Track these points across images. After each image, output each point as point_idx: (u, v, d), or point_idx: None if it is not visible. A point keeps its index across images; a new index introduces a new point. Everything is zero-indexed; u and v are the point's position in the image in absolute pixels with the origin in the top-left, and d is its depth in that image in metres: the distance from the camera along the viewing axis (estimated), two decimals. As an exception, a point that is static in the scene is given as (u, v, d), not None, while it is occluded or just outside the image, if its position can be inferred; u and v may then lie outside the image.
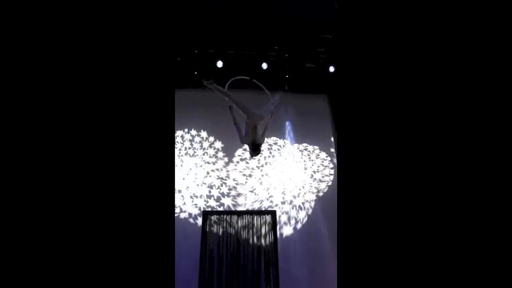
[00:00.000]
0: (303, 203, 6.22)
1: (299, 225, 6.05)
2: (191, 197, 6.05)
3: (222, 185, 6.20)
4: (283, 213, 6.11)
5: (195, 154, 6.35)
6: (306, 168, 6.49)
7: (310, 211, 6.17)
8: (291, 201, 6.22)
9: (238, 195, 6.17)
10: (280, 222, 6.02)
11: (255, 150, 3.84)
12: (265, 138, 4.25)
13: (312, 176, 6.45)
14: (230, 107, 3.91)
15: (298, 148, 6.64)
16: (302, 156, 6.58)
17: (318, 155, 6.61)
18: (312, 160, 6.57)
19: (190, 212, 5.94)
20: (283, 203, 6.19)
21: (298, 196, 6.26)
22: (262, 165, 6.41)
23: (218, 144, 6.42)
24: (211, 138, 6.44)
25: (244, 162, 6.39)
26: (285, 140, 6.65)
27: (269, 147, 6.52)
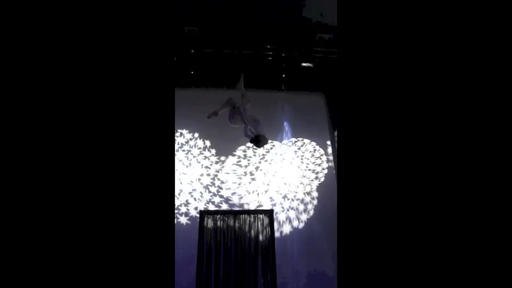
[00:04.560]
0: (300, 202, 6.22)
1: (296, 224, 6.05)
2: (188, 198, 6.04)
3: (219, 185, 6.18)
4: (280, 212, 6.11)
5: (191, 153, 6.33)
6: (302, 167, 6.48)
7: (307, 210, 6.17)
8: (288, 200, 6.21)
9: (235, 194, 6.16)
10: (277, 222, 6.02)
11: (256, 142, 4.12)
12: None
13: (309, 174, 6.45)
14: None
15: (295, 147, 6.63)
16: (299, 155, 6.58)
17: (315, 153, 6.61)
18: (309, 159, 6.57)
19: (187, 212, 5.92)
20: (280, 202, 6.18)
21: (295, 195, 6.26)
22: (258, 164, 6.40)
23: (213, 144, 6.40)
24: (207, 137, 6.42)
25: (241, 161, 6.38)
26: (282, 139, 6.65)
27: (266, 146, 6.50)
